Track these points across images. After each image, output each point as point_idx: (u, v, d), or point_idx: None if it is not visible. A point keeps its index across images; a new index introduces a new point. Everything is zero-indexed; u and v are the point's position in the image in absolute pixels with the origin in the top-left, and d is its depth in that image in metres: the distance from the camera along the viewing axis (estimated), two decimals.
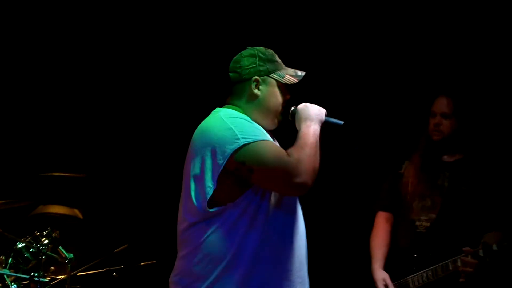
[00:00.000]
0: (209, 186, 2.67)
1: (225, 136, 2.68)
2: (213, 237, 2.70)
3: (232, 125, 2.70)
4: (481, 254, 3.60)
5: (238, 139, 2.65)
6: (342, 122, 2.85)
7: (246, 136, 2.66)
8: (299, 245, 2.77)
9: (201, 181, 2.70)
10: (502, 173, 3.87)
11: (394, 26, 4.93)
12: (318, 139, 2.75)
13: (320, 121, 2.82)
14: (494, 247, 3.58)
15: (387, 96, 5.03)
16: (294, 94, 2.92)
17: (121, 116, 5.57)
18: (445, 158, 3.93)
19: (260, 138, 2.69)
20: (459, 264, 3.63)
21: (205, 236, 2.70)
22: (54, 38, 5.36)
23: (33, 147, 5.49)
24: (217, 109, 2.89)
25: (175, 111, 5.43)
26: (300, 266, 2.77)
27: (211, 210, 2.68)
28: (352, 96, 5.05)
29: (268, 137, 2.78)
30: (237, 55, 2.94)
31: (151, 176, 5.55)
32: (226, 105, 2.90)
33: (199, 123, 2.85)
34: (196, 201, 2.70)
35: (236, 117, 2.77)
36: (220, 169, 2.66)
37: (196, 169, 2.71)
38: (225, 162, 2.65)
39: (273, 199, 2.73)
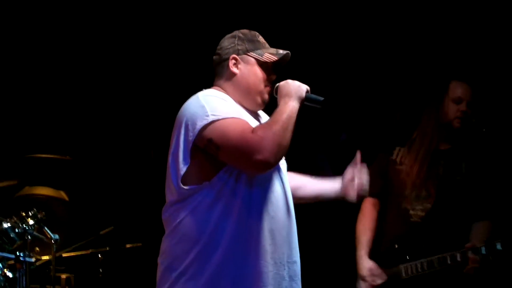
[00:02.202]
0: (182, 163, 2.69)
1: (197, 113, 2.68)
2: (189, 218, 2.70)
3: (205, 103, 2.70)
4: (483, 252, 3.52)
5: (208, 116, 2.66)
6: (322, 98, 2.84)
7: (216, 113, 2.66)
8: (279, 226, 2.77)
9: (176, 158, 2.71)
10: (495, 162, 3.85)
11: (382, 7, 4.92)
12: (294, 115, 2.73)
13: (300, 97, 2.80)
14: (498, 246, 3.50)
15: (374, 83, 5.04)
16: (281, 75, 2.92)
17: (107, 98, 5.55)
18: (441, 146, 3.84)
19: (231, 115, 2.69)
20: (458, 259, 3.57)
21: (182, 217, 2.71)
22: (37, 21, 5.32)
23: (19, 128, 5.47)
24: (205, 90, 2.90)
25: (161, 93, 5.42)
26: (281, 247, 2.77)
27: (185, 187, 2.69)
28: (339, 84, 5.06)
29: (245, 116, 2.78)
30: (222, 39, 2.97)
31: (137, 158, 5.55)
32: (212, 87, 2.92)
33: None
34: (173, 179, 2.72)
35: (212, 96, 2.77)
36: (191, 146, 2.67)
37: (173, 147, 2.74)
38: (194, 138, 2.66)
39: (249, 181, 2.72)
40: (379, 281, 3.77)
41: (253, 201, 2.72)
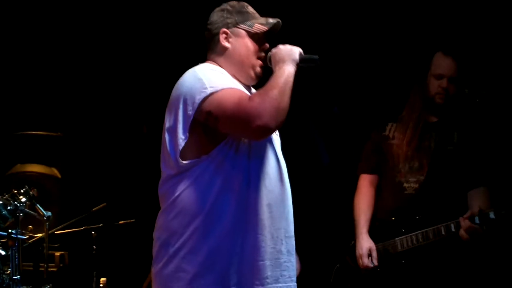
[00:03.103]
0: (182, 137, 2.68)
1: (195, 87, 2.67)
2: (188, 192, 2.69)
3: (202, 76, 2.70)
4: (477, 221, 3.50)
5: (206, 88, 2.65)
6: (316, 56, 2.82)
7: (213, 85, 2.66)
8: (276, 200, 2.77)
9: (174, 133, 2.70)
10: (487, 131, 3.84)
11: None
12: (290, 79, 2.71)
13: (294, 60, 2.78)
14: (492, 215, 3.47)
15: (366, 56, 5.01)
16: (273, 43, 2.89)
17: (97, 73, 5.52)
18: (430, 118, 3.84)
19: (228, 86, 2.69)
20: (452, 229, 3.56)
21: (180, 191, 2.70)
22: (23, 2, 5.27)
23: (10, 106, 5.44)
24: (201, 64, 2.88)
25: (153, 67, 5.39)
26: (279, 222, 2.77)
27: (184, 162, 2.68)
28: (331, 57, 5.03)
29: (240, 87, 2.77)
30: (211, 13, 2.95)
31: (129, 133, 5.53)
32: (207, 61, 2.90)
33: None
34: (171, 154, 2.70)
35: (208, 69, 2.77)
36: (190, 120, 2.66)
37: (170, 122, 2.72)
38: (194, 112, 2.65)
39: (248, 155, 2.72)
40: (375, 263, 3.77)
41: (251, 175, 2.72)
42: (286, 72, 2.73)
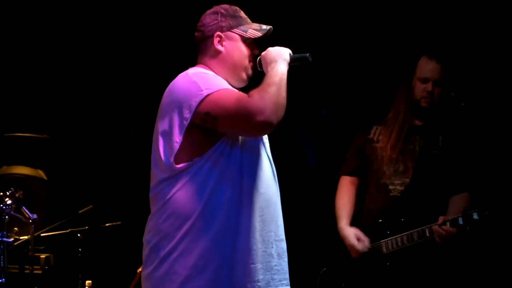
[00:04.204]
0: (176, 141, 2.67)
1: (190, 90, 2.67)
2: (180, 194, 2.69)
3: (197, 79, 2.70)
4: (460, 222, 3.50)
5: (202, 90, 2.65)
6: (307, 54, 2.83)
7: (209, 87, 2.66)
8: (267, 203, 2.76)
9: (169, 136, 2.69)
10: (472, 135, 3.85)
11: None
12: (284, 77, 2.72)
13: (285, 60, 2.80)
14: (475, 216, 3.47)
15: (353, 59, 5.03)
16: (263, 49, 2.90)
17: (85, 75, 5.50)
18: (415, 122, 3.83)
19: (223, 87, 2.69)
20: (427, 234, 3.57)
21: (172, 193, 2.69)
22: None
23: None
24: (191, 68, 2.88)
25: (140, 69, 5.39)
26: (269, 225, 2.77)
27: (178, 166, 2.68)
28: (318, 60, 5.03)
29: (233, 89, 2.78)
30: (202, 15, 2.94)
31: (116, 135, 5.52)
32: (197, 65, 2.89)
33: (169, 82, 2.84)
34: (164, 157, 2.70)
35: (202, 72, 2.77)
36: (187, 123, 2.65)
37: (164, 126, 2.71)
38: (191, 116, 2.65)
39: (240, 159, 2.72)
40: (367, 244, 3.78)
41: (244, 178, 2.72)
42: (280, 70, 2.73)
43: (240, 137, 2.74)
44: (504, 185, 4.31)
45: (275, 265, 2.77)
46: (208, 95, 2.64)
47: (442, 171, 3.74)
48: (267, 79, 2.71)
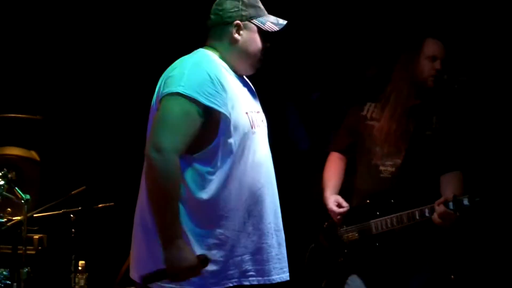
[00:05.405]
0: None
1: (174, 77, 2.69)
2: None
3: (188, 71, 2.69)
4: (451, 207, 3.49)
5: (179, 85, 2.65)
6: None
7: (187, 87, 2.64)
8: (266, 194, 2.80)
9: (152, 114, 2.74)
10: (465, 116, 3.85)
11: None
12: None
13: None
14: (466, 201, 3.46)
15: (346, 42, 5.02)
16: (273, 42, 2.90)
17: (78, 55, 5.48)
18: (414, 102, 3.78)
19: (197, 97, 2.64)
20: (427, 214, 3.56)
21: None
22: None
23: None
24: (199, 49, 2.86)
25: (134, 51, 5.37)
26: (268, 217, 2.80)
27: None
28: (312, 43, 5.03)
29: (228, 84, 2.74)
30: None
31: (108, 117, 5.51)
32: (207, 47, 2.87)
33: (162, 65, 2.85)
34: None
35: (203, 67, 2.72)
36: (155, 108, 2.71)
37: (153, 101, 2.77)
38: (156, 101, 2.71)
39: (240, 150, 2.73)
40: (346, 205, 3.80)
41: (240, 169, 2.73)
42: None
43: (232, 125, 2.72)
44: (496, 170, 4.33)
45: (276, 254, 2.82)
46: (178, 93, 2.63)
47: (434, 153, 3.73)
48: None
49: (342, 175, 3.97)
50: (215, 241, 2.69)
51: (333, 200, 3.84)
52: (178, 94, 2.63)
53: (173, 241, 2.58)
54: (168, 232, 2.60)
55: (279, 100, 5.12)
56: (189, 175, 2.67)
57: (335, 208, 3.82)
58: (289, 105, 5.30)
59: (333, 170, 3.98)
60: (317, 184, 4.01)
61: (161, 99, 2.67)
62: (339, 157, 4.01)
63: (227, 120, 2.69)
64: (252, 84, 3.01)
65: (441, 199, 3.54)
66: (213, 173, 2.68)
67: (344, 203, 3.82)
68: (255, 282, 2.76)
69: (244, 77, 2.94)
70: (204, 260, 2.63)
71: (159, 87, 2.74)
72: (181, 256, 2.58)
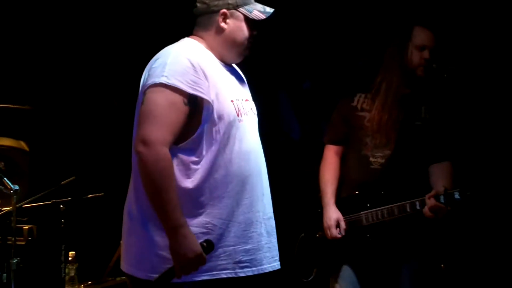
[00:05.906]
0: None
1: (157, 68, 2.68)
2: None
3: (170, 61, 2.68)
4: (442, 201, 3.50)
5: (162, 76, 2.64)
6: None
7: (169, 77, 2.64)
8: (254, 182, 2.79)
9: (138, 106, 2.73)
10: (454, 106, 3.85)
11: None
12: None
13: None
14: (457, 195, 3.47)
15: (337, 31, 5.02)
16: (260, 30, 2.89)
17: (68, 45, 5.46)
18: (404, 91, 3.76)
19: (181, 87, 2.63)
20: (417, 207, 3.56)
21: None
22: None
23: None
24: (184, 39, 2.86)
25: (124, 41, 5.35)
26: (256, 205, 2.79)
27: None
28: (303, 32, 5.02)
29: (214, 75, 2.73)
30: None
31: (98, 107, 5.50)
32: (192, 36, 2.87)
33: (151, 55, 2.83)
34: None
35: (184, 55, 2.71)
36: (141, 99, 2.69)
37: (139, 93, 2.75)
38: (141, 92, 2.69)
39: (226, 139, 2.72)
40: (343, 233, 3.79)
41: (229, 157, 2.72)
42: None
43: (216, 113, 2.71)
44: (486, 161, 4.34)
45: (266, 243, 2.82)
46: (161, 84, 2.63)
47: (424, 143, 3.73)
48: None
49: (338, 174, 3.93)
50: (202, 229, 2.67)
51: (335, 220, 3.78)
52: (161, 84, 2.63)
53: (177, 230, 2.59)
54: (170, 222, 2.60)
55: (270, 89, 5.12)
56: (174, 165, 2.66)
57: (333, 230, 3.78)
58: (280, 94, 5.29)
59: (332, 171, 3.92)
60: (311, 177, 4.01)
61: (145, 91, 2.67)
62: (335, 152, 3.95)
63: (209, 107, 2.68)
64: (243, 73, 3.00)
65: (432, 193, 3.54)
66: (198, 162, 2.68)
67: (343, 225, 3.78)
68: (250, 273, 2.76)
69: (234, 65, 2.93)
70: (207, 246, 2.63)
71: (144, 79, 2.74)
72: (186, 244, 2.59)
